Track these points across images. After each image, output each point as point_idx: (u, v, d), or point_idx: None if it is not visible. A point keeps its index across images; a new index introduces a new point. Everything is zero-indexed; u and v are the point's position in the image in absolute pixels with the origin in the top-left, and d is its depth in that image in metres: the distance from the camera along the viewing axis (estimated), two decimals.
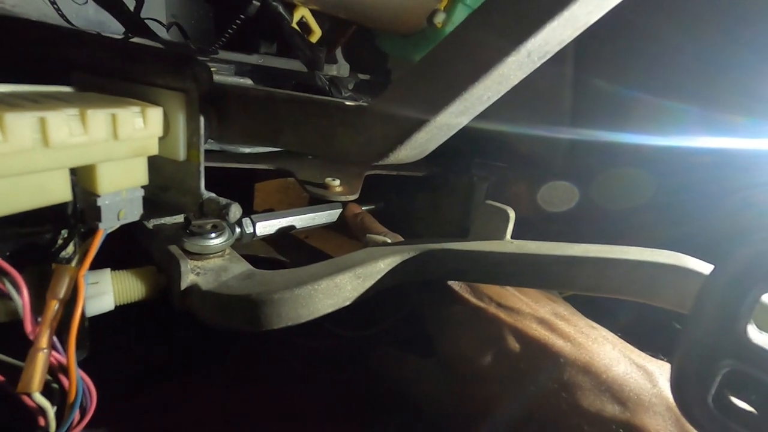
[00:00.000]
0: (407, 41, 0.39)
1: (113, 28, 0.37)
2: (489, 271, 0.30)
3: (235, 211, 0.25)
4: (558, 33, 0.20)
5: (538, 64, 0.22)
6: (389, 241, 0.38)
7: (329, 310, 0.28)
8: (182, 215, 0.32)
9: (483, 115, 0.26)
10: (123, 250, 0.29)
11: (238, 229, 0.35)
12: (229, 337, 0.39)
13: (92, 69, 0.24)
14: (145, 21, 0.38)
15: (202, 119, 0.23)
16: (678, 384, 0.18)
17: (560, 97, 0.41)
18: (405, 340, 0.36)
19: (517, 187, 0.46)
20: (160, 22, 0.40)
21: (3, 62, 0.24)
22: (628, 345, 0.26)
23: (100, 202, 0.21)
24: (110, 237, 0.25)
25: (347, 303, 0.29)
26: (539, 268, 0.29)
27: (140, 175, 0.23)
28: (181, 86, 0.22)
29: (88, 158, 0.19)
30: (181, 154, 0.24)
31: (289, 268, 0.43)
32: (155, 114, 0.21)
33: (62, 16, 0.32)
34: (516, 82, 0.23)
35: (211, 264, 0.31)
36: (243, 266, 0.31)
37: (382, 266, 0.31)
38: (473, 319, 0.29)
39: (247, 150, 0.39)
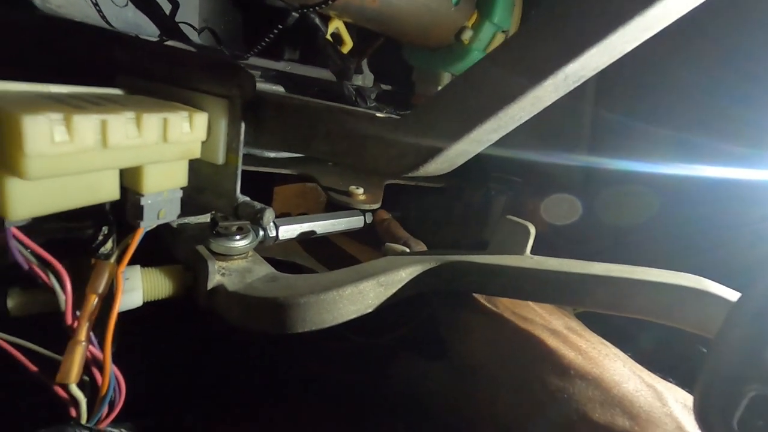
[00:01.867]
0: (434, 55, 0.39)
1: (149, 30, 0.38)
2: (509, 285, 0.31)
3: (269, 215, 0.25)
4: (595, 59, 0.20)
5: (572, 88, 0.22)
6: (408, 250, 0.39)
7: (352, 317, 0.29)
8: (206, 215, 0.33)
9: (506, 140, 0.27)
10: (143, 246, 0.30)
11: (261, 232, 0.36)
12: (246, 336, 0.39)
13: (138, 72, 0.25)
14: (179, 25, 0.39)
15: (243, 125, 0.24)
16: (702, 407, 0.18)
17: (579, 126, 0.42)
18: (414, 344, 0.36)
19: (533, 203, 0.47)
20: (192, 26, 0.42)
21: (54, 63, 0.25)
22: (637, 364, 0.26)
23: (143, 201, 0.22)
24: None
25: (369, 310, 0.30)
26: (559, 285, 0.29)
27: (181, 176, 0.24)
28: (225, 93, 0.23)
29: (139, 159, 0.20)
30: (221, 158, 0.25)
31: (306, 272, 0.44)
32: (201, 119, 0.22)
33: (103, 17, 0.32)
34: (548, 103, 0.24)
35: (236, 265, 0.31)
36: (266, 268, 0.31)
37: (403, 275, 0.31)
38: (488, 326, 0.30)
39: (272, 154, 0.40)
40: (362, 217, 0.43)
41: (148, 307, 0.28)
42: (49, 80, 0.21)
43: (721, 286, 0.24)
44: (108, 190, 0.20)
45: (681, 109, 0.41)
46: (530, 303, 0.31)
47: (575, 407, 0.23)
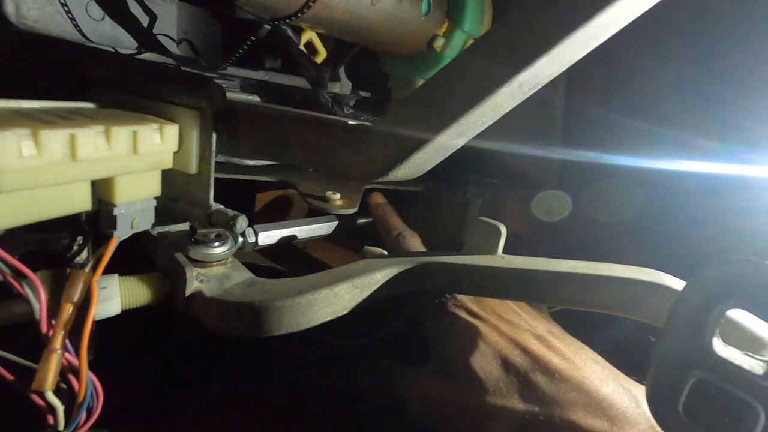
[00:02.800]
0: (407, 63, 0.40)
1: (127, 43, 0.39)
2: (481, 284, 0.32)
3: (242, 222, 0.26)
4: (547, 68, 0.21)
5: (529, 95, 0.24)
6: (385, 252, 0.39)
7: (328, 319, 0.30)
8: (186, 223, 0.33)
9: (479, 136, 0.28)
10: (124, 255, 0.31)
11: (240, 239, 0.37)
12: (224, 344, 0.40)
13: (112, 86, 0.26)
14: (157, 37, 0.40)
15: (214, 135, 0.25)
16: (652, 393, 0.19)
17: (552, 120, 0.43)
18: (396, 347, 0.37)
19: (510, 203, 0.48)
20: (171, 38, 0.42)
21: (28, 78, 0.25)
22: (614, 368, 0.27)
23: (116, 211, 0.23)
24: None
25: (345, 312, 0.31)
26: (528, 283, 0.30)
27: (154, 186, 0.24)
28: (196, 105, 0.24)
29: (110, 171, 0.21)
30: (193, 168, 0.25)
31: (287, 276, 0.44)
32: (172, 131, 0.23)
33: (80, 32, 0.33)
34: (508, 109, 0.25)
35: (215, 272, 0.32)
36: (245, 274, 0.32)
37: (378, 277, 0.32)
38: (475, 329, 0.30)
39: (251, 162, 0.40)
40: (337, 222, 0.44)
41: (128, 314, 0.28)
42: (23, 96, 0.21)
43: (678, 279, 0.26)
44: (80, 202, 0.20)
45: (651, 103, 0.42)
46: (515, 307, 0.32)
47: (559, 412, 0.24)
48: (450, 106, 0.23)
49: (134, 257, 0.32)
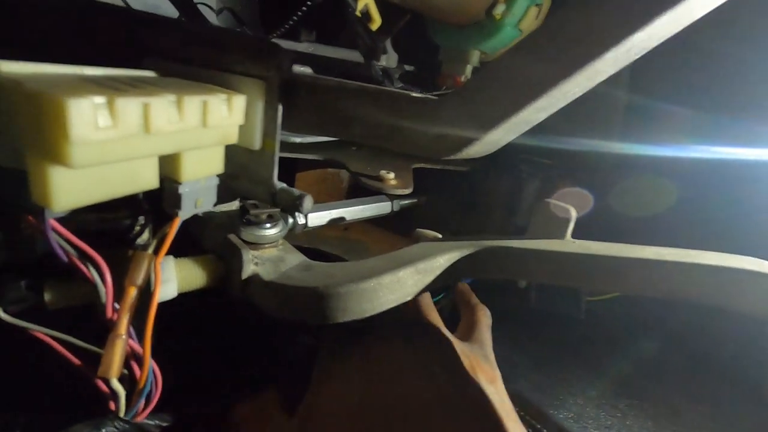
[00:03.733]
0: (462, 33, 0.38)
1: (168, 12, 0.37)
2: (551, 270, 0.30)
3: (309, 203, 0.24)
4: (664, 28, 0.19)
5: (633, 60, 0.21)
6: (440, 236, 0.38)
7: (391, 305, 0.28)
8: (232, 203, 0.32)
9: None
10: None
11: (291, 220, 0.35)
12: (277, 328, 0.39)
13: (168, 54, 0.24)
14: (197, 6, 0.37)
15: (280, 108, 0.23)
16: None
17: (612, 109, 0.40)
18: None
19: (562, 184, 0.45)
20: (210, 7, 0.40)
21: (76, 45, 0.24)
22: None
23: (181, 189, 0.21)
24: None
25: (407, 298, 0.29)
26: (606, 270, 0.28)
27: (218, 163, 0.23)
28: (262, 74, 0.22)
29: (178, 145, 0.19)
30: (257, 143, 0.23)
31: (334, 259, 0.43)
32: (240, 102, 0.21)
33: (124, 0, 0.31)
34: (604, 78, 0.22)
35: (268, 254, 0.30)
36: (298, 257, 0.31)
37: (441, 262, 0.30)
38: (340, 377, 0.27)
39: (297, 139, 0.39)
40: (390, 202, 0.42)
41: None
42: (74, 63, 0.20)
43: None
44: (147, 179, 0.19)
45: (722, 90, 0.39)
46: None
47: None
48: (542, 76, 0.21)
49: (178, 239, 0.31)
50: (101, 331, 0.23)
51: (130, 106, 0.15)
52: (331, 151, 0.41)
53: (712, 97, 0.40)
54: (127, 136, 0.16)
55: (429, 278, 0.30)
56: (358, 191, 0.51)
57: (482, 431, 0.24)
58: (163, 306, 0.24)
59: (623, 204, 0.44)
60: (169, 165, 0.20)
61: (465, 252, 0.31)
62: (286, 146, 0.38)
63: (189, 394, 0.34)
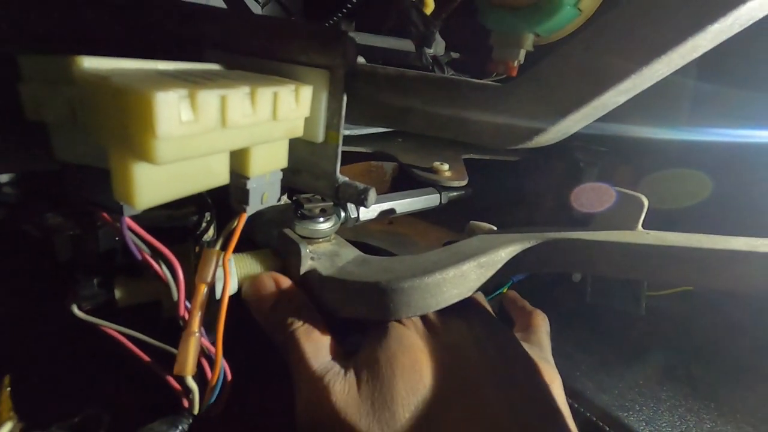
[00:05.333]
0: (516, 15, 0.36)
1: (213, 2, 0.36)
2: (623, 263, 0.28)
3: (373, 196, 0.24)
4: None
5: (734, 33, 0.19)
6: (495, 228, 0.36)
7: (454, 300, 0.27)
8: (287, 199, 0.31)
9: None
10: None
11: (343, 213, 0.35)
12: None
13: (228, 46, 0.23)
14: None
15: (344, 98, 0.22)
16: None
17: (681, 90, 0.37)
18: None
19: (620, 175, 0.43)
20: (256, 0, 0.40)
21: (137, 39, 0.24)
22: None
23: (249, 185, 0.21)
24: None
25: (470, 293, 0.28)
26: (688, 263, 0.26)
27: (282, 157, 0.22)
28: (328, 63, 0.21)
29: (250, 140, 0.19)
30: (320, 136, 0.23)
31: (383, 253, 0.42)
32: (306, 93, 0.20)
33: None
34: (698, 55, 0.20)
35: (323, 248, 0.30)
36: (352, 251, 0.30)
37: (502, 255, 0.29)
38: None
39: (347, 132, 0.38)
40: (438, 195, 0.41)
41: None
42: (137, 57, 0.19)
43: None
44: (220, 175, 0.18)
45: None
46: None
47: None
48: (631, 54, 0.19)
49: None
50: (168, 328, 0.23)
51: (210, 98, 0.15)
52: (378, 143, 0.40)
53: None
54: (206, 131, 0.15)
55: (491, 272, 0.29)
56: (401, 183, 0.50)
57: (531, 400, 0.23)
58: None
59: (683, 193, 0.41)
60: (238, 160, 0.20)
61: (527, 245, 0.30)
62: None
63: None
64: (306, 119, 0.22)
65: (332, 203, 0.31)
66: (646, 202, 0.29)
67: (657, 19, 0.19)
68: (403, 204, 0.38)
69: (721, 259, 0.25)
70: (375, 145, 0.39)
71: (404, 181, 0.43)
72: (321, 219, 0.30)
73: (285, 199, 0.31)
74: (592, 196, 0.40)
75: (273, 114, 0.19)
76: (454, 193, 0.45)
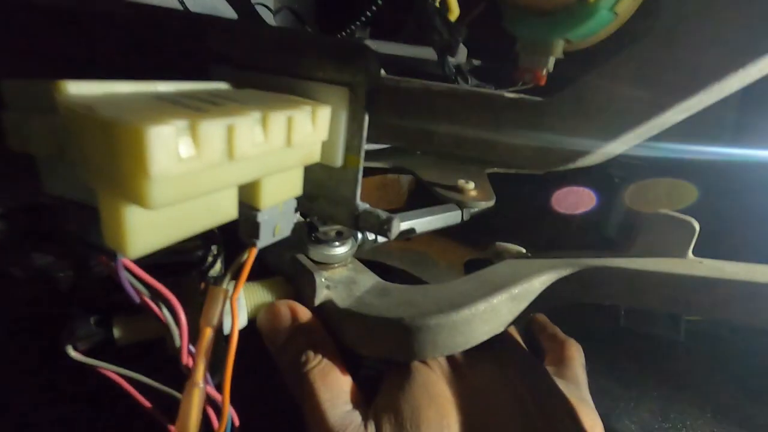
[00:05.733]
0: (545, 20, 0.33)
1: (226, 13, 0.34)
2: (673, 296, 0.25)
3: (397, 226, 0.21)
4: None
5: None
6: (524, 251, 0.34)
7: (485, 338, 0.25)
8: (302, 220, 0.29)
9: None
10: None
11: (360, 236, 0.32)
12: None
13: (238, 62, 0.21)
14: (255, 6, 0.35)
15: (366, 118, 0.20)
16: None
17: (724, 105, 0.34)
18: None
19: (656, 189, 0.40)
20: (268, 8, 0.38)
21: (139, 57, 0.22)
22: None
23: (260, 218, 0.18)
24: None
25: (501, 329, 0.25)
26: (748, 298, 0.23)
27: (297, 185, 0.20)
28: (347, 80, 0.19)
29: (262, 171, 0.16)
30: (339, 160, 0.20)
31: (395, 273, 0.39)
32: (324, 114, 0.18)
33: (181, 2, 0.29)
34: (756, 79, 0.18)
35: (338, 275, 0.28)
36: (371, 278, 0.28)
37: (536, 285, 0.26)
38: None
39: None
40: (460, 212, 0.38)
41: None
42: (139, 78, 0.17)
43: None
44: (226, 211, 0.16)
45: None
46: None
47: None
48: (703, 68, 0.17)
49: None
50: (172, 368, 0.21)
51: (214, 129, 0.13)
52: (395, 158, 0.37)
53: None
54: (210, 166, 0.13)
55: (524, 304, 0.26)
56: (418, 197, 0.48)
57: None
58: None
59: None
60: (247, 192, 0.18)
61: (563, 273, 0.27)
62: None
63: None
64: (323, 142, 0.20)
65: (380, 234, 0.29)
66: (697, 227, 0.26)
67: (740, 27, 0.16)
68: (423, 223, 0.36)
69: None
70: (392, 160, 0.37)
71: (421, 195, 0.40)
72: (337, 243, 0.28)
73: (299, 216, 0.29)
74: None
75: (287, 140, 0.16)
76: (476, 210, 0.43)
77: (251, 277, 0.25)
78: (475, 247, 0.44)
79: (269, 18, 0.38)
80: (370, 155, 0.38)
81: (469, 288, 0.25)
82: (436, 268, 0.41)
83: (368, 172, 0.38)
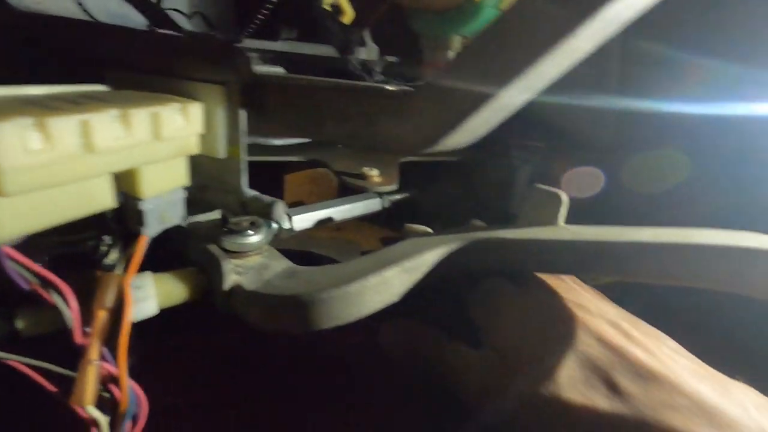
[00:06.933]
0: (441, 18, 0.36)
1: (136, 20, 0.36)
2: (547, 260, 0.28)
3: (280, 209, 0.23)
4: None
5: (616, 32, 0.20)
6: (430, 231, 0.36)
7: (378, 308, 0.27)
8: (218, 212, 0.31)
9: None
10: (155, 250, 0.29)
11: (275, 225, 0.34)
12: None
13: (126, 65, 0.23)
14: (167, 12, 0.36)
15: (243, 113, 0.22)
16: None
17: (606, 65, 0.38)
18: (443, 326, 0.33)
19: (560, 170, 0.43)
20: (182, 13, 0.39)
21: (34, 65, 0.23)
22: (702, 362, 0.23)
23: (143, 206, 0.20)
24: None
25: (395, 299, 0.28)
26: (603, 256, 0.27)
27: (181, 175, 0.22)
28: (220, 79, 0.21)
29: (132, 161, 0.18)
30: (222, 151, 0.22)
31: (326, 261, 0.42)
32: (196, 110, 0.20)
33: (85, 10, 0.30)
34: (586, 54, 0.21)
35: (251, 262, 0.30)
36: (283, 263, 0.30)
37: (429, 258, 0.29)
38: (535, 311, 0.27)
39: (278, 142, 0.38)
40: (379, 199, 0.41)
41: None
42: (32, 83, 0.19)
43: None
44: (102, 199, 0.18)
45: (737, 34, 0.35)
46: (575, 285, 0.28)
47: (654, 414, 0.20)
48: (517, 55, 0.20)
49: (166, 251, 0.30)
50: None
51: (64, 125, 0.15)
52: (315, 151, 0.40)
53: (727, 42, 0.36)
54: (66, 157, 0.15)
55: (416, 276, 0.29)
56: (349, 190, 0.50)
57: None
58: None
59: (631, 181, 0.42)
60: (127, 181, 0.20)
61: (453, 246, 0.30)
62: (266, 149, 0.38)
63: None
64: (204, 135, 0.22)
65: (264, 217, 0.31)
66: (565, 198, 0.29)
67: (535, 19, 0.19)
68: (342, 210, 0.38)
69: (629, 252, 0.25)
70: (311, 153, 0.39)
71: (352, 188, 0.43)
72: (250, 232, 0.29)
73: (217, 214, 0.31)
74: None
75: (155, 134, 0.18)
76: (397, 197, 0.45)
77: (167, 268, 0.27)
78: (399, 233, 0.47)
79: (184, 23, 0.40)
80: (288, 150, 0.40)
81: (366, 264, 0.28)
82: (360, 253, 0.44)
83: (294, 164, 0.40)
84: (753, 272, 0.22)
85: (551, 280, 0.28)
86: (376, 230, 0.49)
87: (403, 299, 0.32)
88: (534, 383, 0.24)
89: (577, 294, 0.27)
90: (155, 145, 0.18)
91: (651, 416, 0.20)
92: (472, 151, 0.48)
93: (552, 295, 0.27)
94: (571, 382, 0.23)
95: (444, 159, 0.45)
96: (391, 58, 0.46)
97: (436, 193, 0.49)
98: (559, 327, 0.25)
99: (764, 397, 0.21)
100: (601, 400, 0.21)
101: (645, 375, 0.21)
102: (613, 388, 0.21)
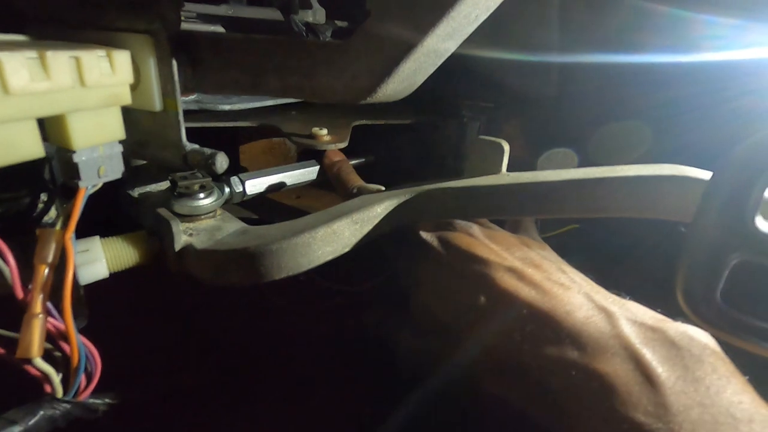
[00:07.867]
0: None
1: None
2: (487, 205, 0.30)
3: (222, 160, 0.24)
4: None
5: None
6: (383, 189, 0.37)
7: (329, 258, 0.28)
8: (168, 180, 0.31)
9: (467, 44, 0.25)
10: (109, 222, 0.28)
11: (227, 189, 0.34)
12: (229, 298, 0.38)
13: (49, 19, 0.22)
14: None
15: (174, 63, 0.22)
16: (686, 283, 0.18)
17: (544, 19, 0.39)
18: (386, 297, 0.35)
19: (508, 126, 0.45)
20: None
21: None
22: (594, 285, 0.25)
23: (76, 158, 0.20)
24: (97, 207, 0.24)
25: (346, 249, 0.29)
26: (539, 196, 0.28)
27: (116, 128, 0.21)
28: (147, 28, 0.21)
29: (55, 107, 0.18)
30: (157, 104, 0.22)
31: None
32: (123, 58, 0.20)
33: None
34: None
35: (204, 225, 0.30)
36: (237, 224, 0.30)
37: (378, 210, 0.30)
38: (442, 274, 0.28)
39: (227, 107, 0.37)
40: (318, 166, 0.41)
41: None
42: None
43: (699, 170, 0.24)
44: (28, 147, 0.18)
45: None
46: (486, 240, 0.29)
47: (527, 348, 0.23)
48: (436, 1, 0.20)
49: (121, 224, 0.30)
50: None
51: None
52: (266, 116, 0.40)
53: None
54: None
55: (367, 227, 0.30)
56: (307, 158, 0.50)
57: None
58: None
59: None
60: (57, 131, 0.19)
61: (402, 198, 0.31)
62: (216, 115, 0.37)
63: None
64: (138, 88, 0.22)
65: (211, 179, 0.31)
66: (506, 147, 0.31)
67: None
68: (294, 175, 0.38)
69: (560, 189, 0.27)
70: (262, 118, 0.39)
71: (309, 156, 0.43)
72: (201, 195, 0.29)
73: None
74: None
75: (79, 80, 0.18)
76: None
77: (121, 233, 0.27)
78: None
79: None
80: (238, 115, 0.40)
81: (317, 218, 0.29)
82: None
83: (246, 135, 0.40)
84: (669, 197, 0.23)
85: (463, 240, 0.29)
86: (335, 198, 0.50)
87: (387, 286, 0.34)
88: (434, 339, 0.28)
89: (483, 249, 0.28)
90: (80, 91, 0.18)
91: (526, 349, 0.23)
92: (425, 114, 0.49)
93: (457, 256, 0.28)
94: (460, 332, 0.26)
95: (398, 122, 0.46)
96: (341, 23, 0.46)
97: (392, 156, 0.50)
98: (458, 286, 0.27)
99: (639, 307, 0.23)
100: (487, 346, 0.24)
101: (526, 312, 0.24)
102: (496, 330, 0.24)
